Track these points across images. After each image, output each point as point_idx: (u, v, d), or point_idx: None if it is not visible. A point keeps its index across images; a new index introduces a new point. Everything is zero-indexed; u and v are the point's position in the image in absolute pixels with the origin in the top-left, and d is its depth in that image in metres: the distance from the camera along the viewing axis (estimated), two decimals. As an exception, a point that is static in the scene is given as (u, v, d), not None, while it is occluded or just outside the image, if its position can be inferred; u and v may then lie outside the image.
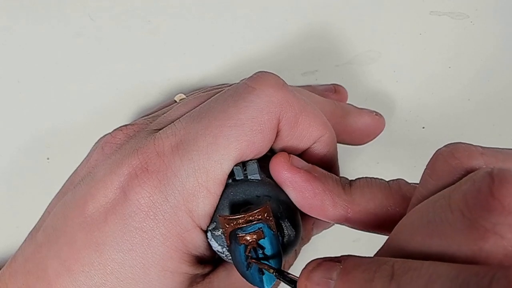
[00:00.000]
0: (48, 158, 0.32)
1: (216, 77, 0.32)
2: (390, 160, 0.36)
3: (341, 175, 0.27)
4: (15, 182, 0.32)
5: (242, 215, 0.23)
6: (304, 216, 0.25)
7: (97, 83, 0.31)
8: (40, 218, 0.27)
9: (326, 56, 0.33)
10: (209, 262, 0.26)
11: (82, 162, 0.27)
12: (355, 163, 0.36)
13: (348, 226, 0.24)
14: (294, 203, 0.24)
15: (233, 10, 0.31)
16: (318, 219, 0.24)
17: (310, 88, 0.32)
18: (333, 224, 0.28)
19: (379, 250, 0.20)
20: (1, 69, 0.30)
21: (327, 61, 0.33)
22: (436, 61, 0.34)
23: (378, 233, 0.23)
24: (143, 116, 0.28)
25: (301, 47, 0.33)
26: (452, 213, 0.17)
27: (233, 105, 0.24)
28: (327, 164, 0.27)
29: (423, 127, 0.35)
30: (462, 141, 0.20)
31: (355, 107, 0.32)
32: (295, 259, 0.29)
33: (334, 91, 0.33)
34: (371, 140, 0.32)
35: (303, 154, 0.26)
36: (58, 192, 0.27)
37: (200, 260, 0.25)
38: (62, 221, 0.25)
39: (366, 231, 0.24)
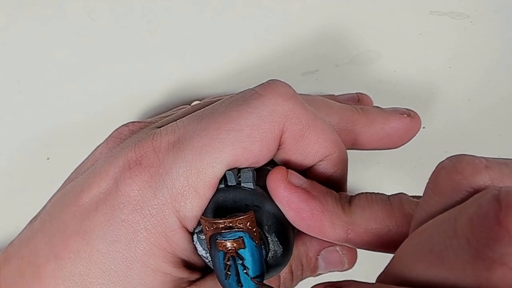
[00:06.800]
0: (48, 158, 0.32)
1: (216, 77, 0.32)
2: (390, 160, 0.36)
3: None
4: (15, 182, 0.32)
5: (223, 220, 0.22)
6: (310, 243, 0.25)
7: (97, 83, 0.31)
8: (41, 208, 0.27)
9: (326, 56, 0.33)
10: (197, 269, 0.25)
11: (88, 156, 0.28)
12: (355, 163, 0.36)
13: (350, 246, 0.24)
14: (291, 223, 0.24)
15: (233, 10, 0.31)
16: (328, 253, 0.24)
17: (332, 97, 0.31)
18: (349, 268, 0.27)
19: (382, 273, 0.19)
20: (1, 69, 0.30)
21: (327, 61, 0.33)
22: (436, 61, 0.34)
23: (382, 252, 0.23)
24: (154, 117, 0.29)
25: (301, 47, 0.32)
26: (458, 239, 0.16)
27: (236, 109, 0.24)
28: (334, 185, 0.26)
29: (423, 127, 0.35)
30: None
31: (382, 110, 0.29)
32: (292, 283, 0.27)
33: (358, 101, 0.32)
34: (406, 142, 0.30)
35: (308, 171, 0.26)
36: (62, 184, 0.27)
37: (186, 265, 0.25)
38: (58, 209, 0.25)
39: (369, 250, 0.23)
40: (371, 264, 0.21)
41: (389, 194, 0.24)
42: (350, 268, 0.27)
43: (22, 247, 0.25)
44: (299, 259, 0.26)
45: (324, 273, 0.27)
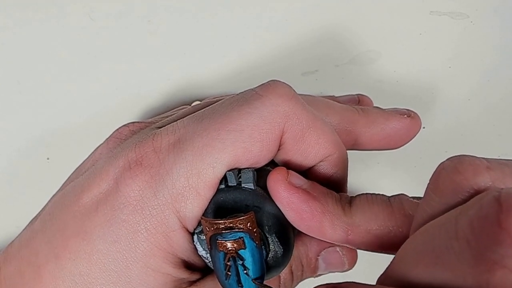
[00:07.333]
0: (48, 158, 0.32)
1: (216, 77, 0.32)
2: (390, 160, 0.36)
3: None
4: (15, 182, 0.32)
5: (223, 221, 0.22)
6: (310, 244, 0.25)
7: (97, 83, 0.31)
8: (41, 209, 0.27)
9: (326, 56, 0.33)
10: (197, 269, 0.25)
11: (89, 156, 0.28)
12: (355, 163, 0.36)
13: (350, 247, 0.24)
14: (292, 223, 0.24)
15: (233, 10, 0.31)
16: (328, 252, 0.24)
17: (333, 98, 0.31)
18: (349, 269, 0.27)
19: (382, 274, 0.19)
20: (1, 69, 0.30)
21: (327, 61, 0.33)
22: (436, 61, 0.34)
23: (382, 253, 0.23)
24: (155, 117, 0.29)
25: (301, 47, 0.32)
26: (458, 241, 0.16)
27: (237, 109, 0.24)
28: (335, 185, 0.26)
29: (423, 127, 0.35)
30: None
31: (382, 111, 0.29)
32: (292, 284, 0.27)
33: (358, 102, 0.32)
34: (407, 143, 0.30)
35: (308, 172, 0.26)
36: (62, 184, 0.28)
37: (187, 265, 0.25)
38: (59, 210, 0.25)
39: (369, 251, 0.23)
40: (372, 265, 0.21)
41: (390, 194, 0.24)
42: (351, 268, 0.27)
43: (22, 247, 0.25)
44: (299, 260, 0.26)
45: (325, 273, 0.27)
